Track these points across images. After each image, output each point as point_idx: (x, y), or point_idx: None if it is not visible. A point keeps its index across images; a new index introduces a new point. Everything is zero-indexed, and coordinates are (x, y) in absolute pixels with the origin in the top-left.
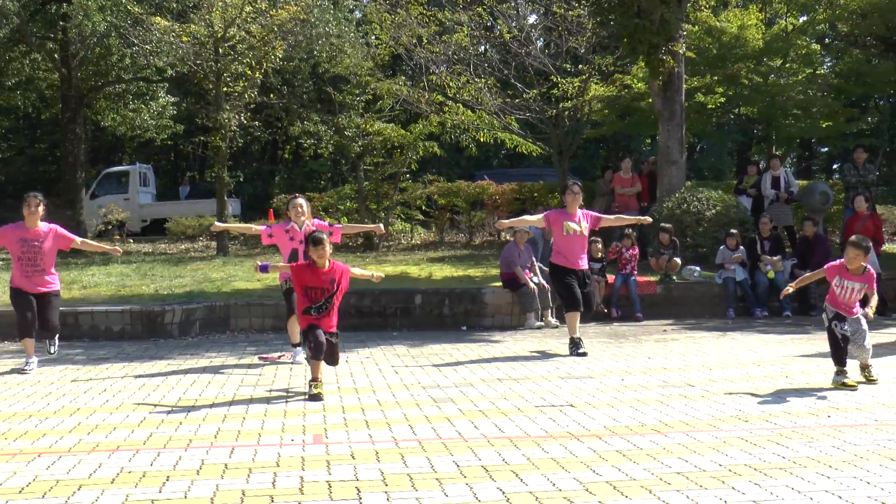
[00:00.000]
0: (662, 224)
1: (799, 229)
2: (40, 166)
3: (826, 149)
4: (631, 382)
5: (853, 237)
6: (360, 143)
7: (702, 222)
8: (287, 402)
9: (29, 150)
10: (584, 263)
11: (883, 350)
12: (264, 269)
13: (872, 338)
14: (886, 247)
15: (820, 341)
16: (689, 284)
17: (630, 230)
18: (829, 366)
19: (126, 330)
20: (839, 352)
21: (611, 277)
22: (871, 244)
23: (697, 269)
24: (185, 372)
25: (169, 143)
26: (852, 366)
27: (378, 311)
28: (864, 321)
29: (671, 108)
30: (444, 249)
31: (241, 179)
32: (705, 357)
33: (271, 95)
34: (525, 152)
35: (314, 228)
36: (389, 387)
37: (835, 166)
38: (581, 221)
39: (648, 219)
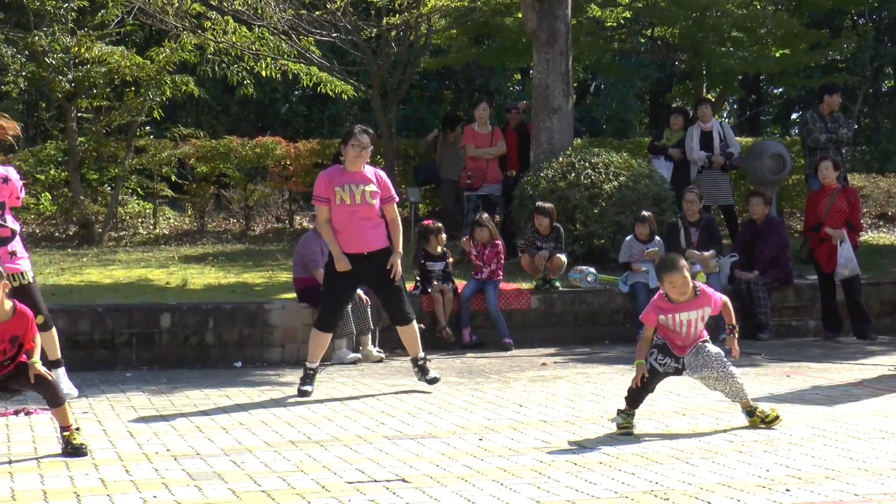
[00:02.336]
0: (539, 204)
1: (742, 210)
2: None
3: (781, 90)
4: (494, 444)
5: (657, 254)
6: (70, 77)
7: (598, 200)
8: None
9: None
10: (375, 242)
11: (866, 391)
12: None
13: (850, 369)
14: (868, 236)
15: (773, 378)
16: (579, 294)
17: (484, 215)
18: (790, 414)
19: None
20: (638, 392)
21: (460, 285)
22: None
23: (592, 270)
24: None
25: None
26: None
27: (102, 340)
28: (709, 346)
29: (551, 28)
30: (206, 242)
31: None
32: (605, 403)
33: None
34: (331, 93)
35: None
36: (121, 458)
37: (794, 116)
38: (367, 186)
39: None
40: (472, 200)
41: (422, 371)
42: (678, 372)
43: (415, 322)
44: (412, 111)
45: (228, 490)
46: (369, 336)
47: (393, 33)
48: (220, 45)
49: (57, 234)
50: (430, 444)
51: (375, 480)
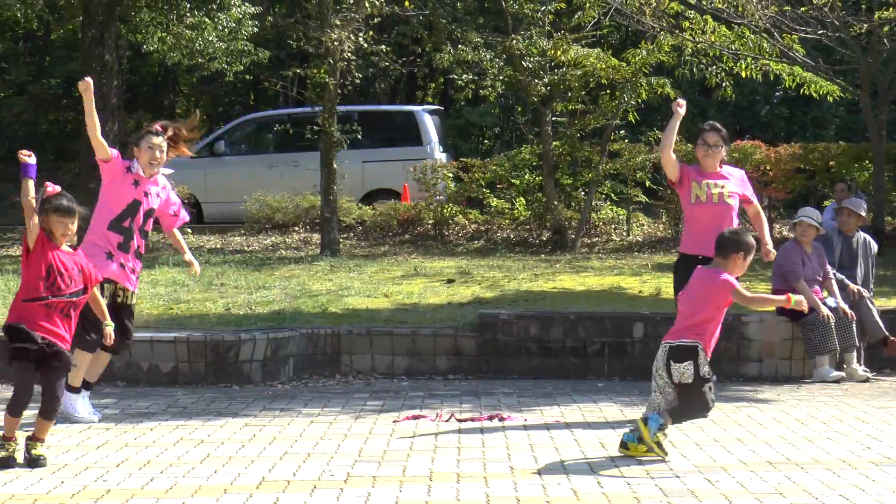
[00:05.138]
0: None
1: None
2: (49, 112)
3: None
4: None
5: None
6: (546, 81)
7: None
8: (402, 489)
9: (32, 86)
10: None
11: None
12: (27, 171)
13: None
14: None
15: None
16: None
17: None
18: None
19: (181, 370)
20: None
21: None
22: None
23: None
24: (272, 437)
25: (247, 77)
26: None
27: (574, 348)
28: None
29: None
30: None
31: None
32: None
33: (406, 3)
34: (815, 94)
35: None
36: (592, 469)
37: None
38: (724, 185)
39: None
40: None
41: None
42: None
43: None
44: None
45: None
46: (854, 354)
47: (885, 28)
48: (698, 45)
49: (530, 240)
50: None
51: None
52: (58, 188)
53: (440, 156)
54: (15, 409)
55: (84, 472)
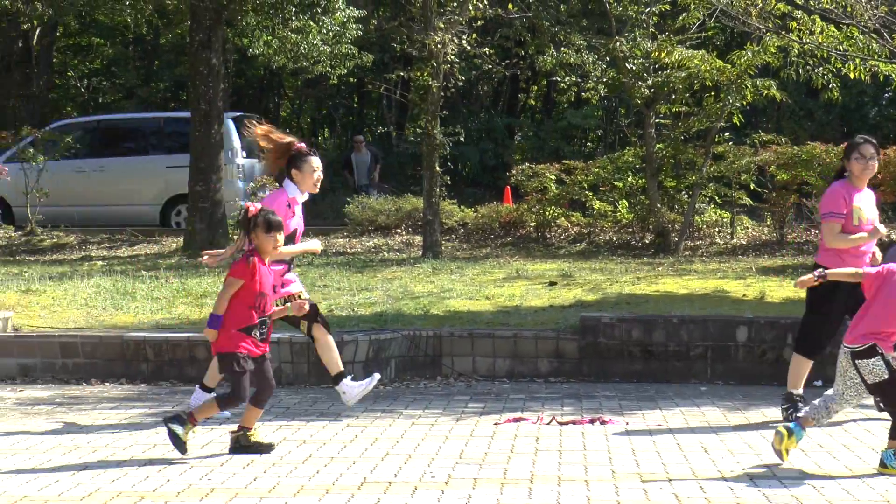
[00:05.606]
0: None
1: None
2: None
3: None
4: None
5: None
6: (650, 83)
7: None
8: (503, 491)
9: (141, 90)
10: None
11: None
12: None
13: None
14: None
15: None
16: None
17: None
18: None
19: (284, 370)
20: None
21: None
22: None
23: None
24: (374, 438)
25: (351, 80)
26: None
27: (676, 352)
28: None
29: None
30: (785, 254)
31: (462, 139)
32: None
33: (510, 6)
34: None
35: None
36: (694, 474)
37: None
38: (874, 210)
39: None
40: None
41: None
42: None
43: None
44: None
45: None
46: None
47: None
48: (805, 46)
49: (633, 243)
50: None
51: None
52: (258, 205)
53: (242, 161)
54: (252, 399)
55: (189, 471)
